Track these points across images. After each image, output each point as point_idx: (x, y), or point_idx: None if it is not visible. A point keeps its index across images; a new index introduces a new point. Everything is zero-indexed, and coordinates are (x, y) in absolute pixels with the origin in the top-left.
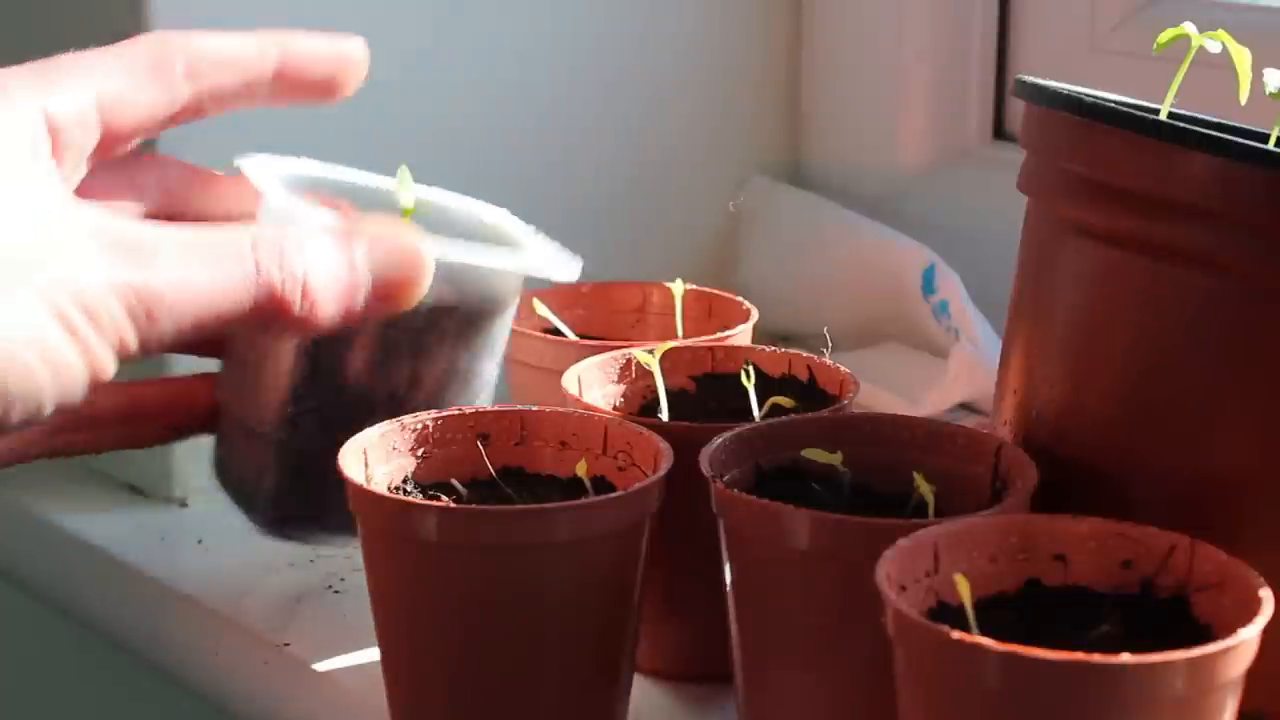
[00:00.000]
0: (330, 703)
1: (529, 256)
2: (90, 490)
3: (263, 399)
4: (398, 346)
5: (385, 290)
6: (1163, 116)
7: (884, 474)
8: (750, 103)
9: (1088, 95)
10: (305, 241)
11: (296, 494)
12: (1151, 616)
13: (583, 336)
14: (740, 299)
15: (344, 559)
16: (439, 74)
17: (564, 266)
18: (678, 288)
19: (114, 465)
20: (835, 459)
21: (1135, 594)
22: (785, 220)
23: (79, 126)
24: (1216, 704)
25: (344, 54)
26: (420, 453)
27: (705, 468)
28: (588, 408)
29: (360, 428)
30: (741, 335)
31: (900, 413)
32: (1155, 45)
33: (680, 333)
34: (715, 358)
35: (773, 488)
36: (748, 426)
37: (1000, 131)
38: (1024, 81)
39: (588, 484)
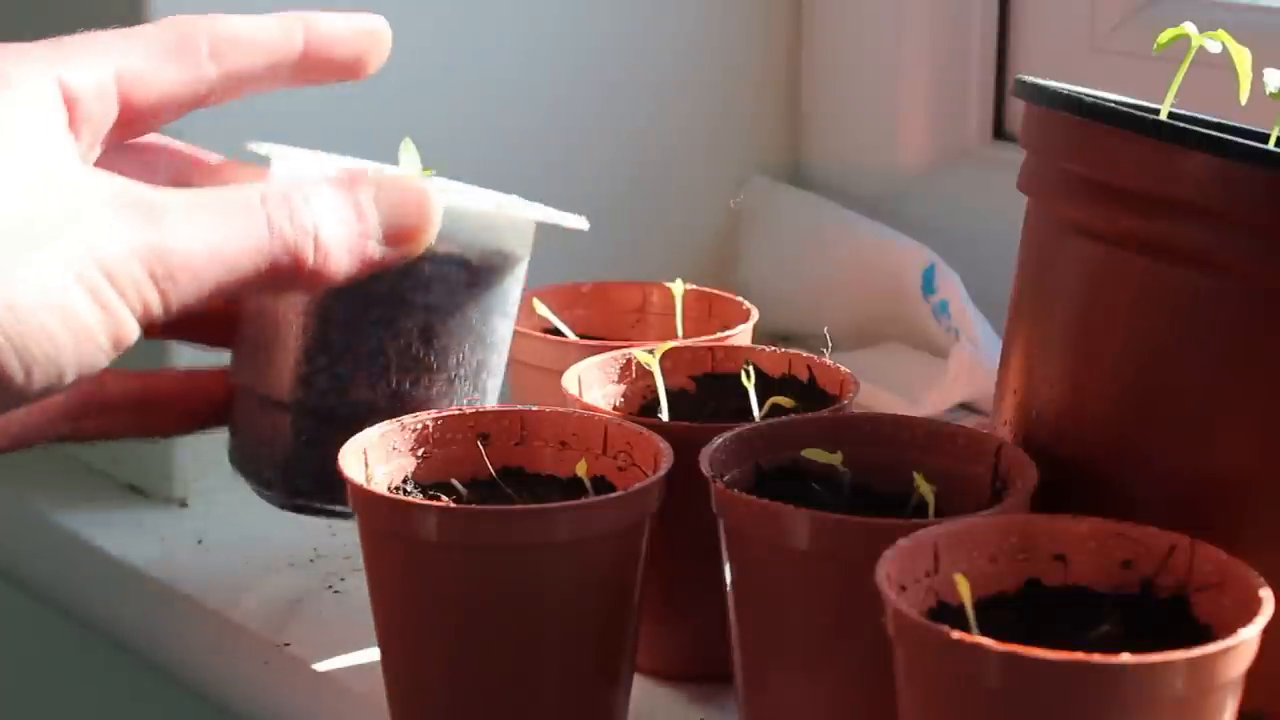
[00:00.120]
0: (330, 703)
1: (538, 207)
2: (90, 490)
3: (277, 364)
4: (408, 300)
5: (396, 236)
6: (1163, 116)
7: (884, 474)
8: (750, 103)
9: (1088, 95)
10: (312, 194)
11: (310, 462)
12: (1151, 616)
13: (583, 336)
14: (740, 299)
15: (344, 559)
16: (439, 74)
17: (573, 218)
18: (678, 288)
19: (114, 465)
20: (835, 459)
21: (1135, 594)
22: (785, 220)
23: (97, 100)
24: (1216, 704)
25: (369, 31)
26: (420, 453)
27: (705, 468)
28: (588, 408)
29: (374, 385)
30: (741, 335)
31: (900, 413)
32: (1155, 45)
33: (680, 333)
34: (715, 358)
35: (773, 488)
36: (748, 426)
37: (1000, 131)
38: (1024, 81)
39: (588, 484)
